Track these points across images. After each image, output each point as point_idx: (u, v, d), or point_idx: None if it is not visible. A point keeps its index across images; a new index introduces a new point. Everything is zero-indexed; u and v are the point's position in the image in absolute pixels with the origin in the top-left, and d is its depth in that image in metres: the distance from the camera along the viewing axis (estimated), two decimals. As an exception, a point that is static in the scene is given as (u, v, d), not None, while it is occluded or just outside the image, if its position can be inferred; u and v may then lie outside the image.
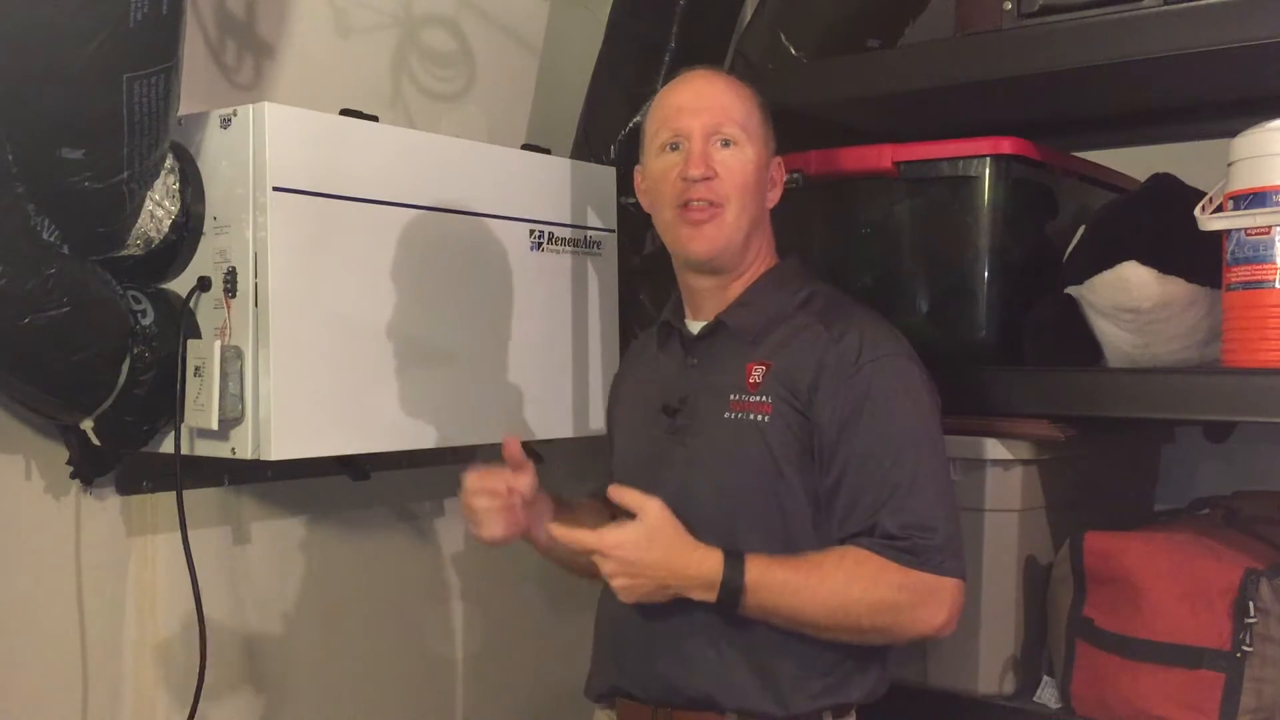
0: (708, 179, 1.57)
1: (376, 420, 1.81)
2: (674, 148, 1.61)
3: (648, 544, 1.47)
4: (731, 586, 1.47)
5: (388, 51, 2.20)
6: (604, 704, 1.70)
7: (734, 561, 1.47)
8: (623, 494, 1.51)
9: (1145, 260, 1.74)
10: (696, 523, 1.53)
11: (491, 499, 1.60)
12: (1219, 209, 1.66)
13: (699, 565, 1.48)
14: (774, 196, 1.68)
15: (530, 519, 1.65)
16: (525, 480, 1.61)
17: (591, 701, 1.73)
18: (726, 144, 1.60)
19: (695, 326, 1.67)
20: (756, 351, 1.60)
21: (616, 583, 1.49)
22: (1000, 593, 1.84)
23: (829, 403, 1.53)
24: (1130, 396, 1.73)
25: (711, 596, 1.48)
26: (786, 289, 1.65)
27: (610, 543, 1.47)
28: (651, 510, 1.49)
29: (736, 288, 1.65)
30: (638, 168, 1.71)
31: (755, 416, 1.56)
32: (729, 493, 1.55)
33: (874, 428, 1.52)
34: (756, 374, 1.58)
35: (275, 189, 1.67)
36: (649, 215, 1.69)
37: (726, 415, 1.58)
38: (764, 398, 1.56)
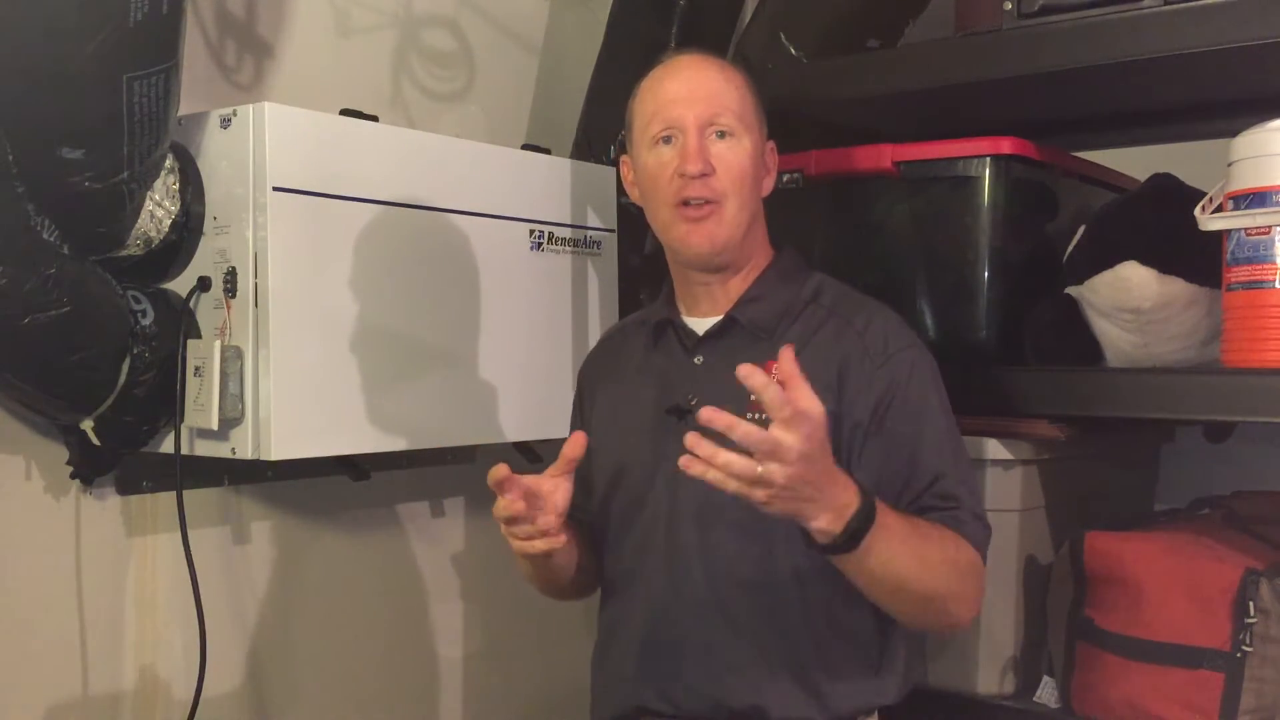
0: (705, 175, 1.52)
1: (376, 420, 1.81)
2: (667, 141, 1.55)
3: (822, 450, 1.28)
4: (865, 514, 1.32)
5: (388, 51, 2.20)
6: None
7: (867, 494, 1.34)
8: (795, 387, 1.27)
9: (1145, 260, 1.74)
10: (725, 526, 1.51)
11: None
12: (1219, 209, 1.66)
13: (844, 487, 1.32)
14: (769, 184, 1.62)
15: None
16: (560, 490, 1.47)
17: None
18: (722, 135, 1.54)
19: (698, 323, 1.62)
20: (776, 349, 1.52)
21: (768, 492, 1.26)
22: (1000, 593, 1.84)
23: (861, 395, 1.50)
24: (1130, 396, 1.73)
25: (839, 526, 1.31)
26: (793, 281, 1.61)
27: (799, 449, 1.24)
28: (817, 413, 1.26)
29: (738, 282, 1.60)
30: (625, 158, 1.65)
31: None
32: None
33: (913, 415, 1.50)
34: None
35: (275, 189, 1.66)
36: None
37: (750, 416, 1.50)
38: None
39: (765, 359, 1.53)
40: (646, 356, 1.66)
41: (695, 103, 1.54)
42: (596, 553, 1.70)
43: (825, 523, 1.31)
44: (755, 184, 1.58)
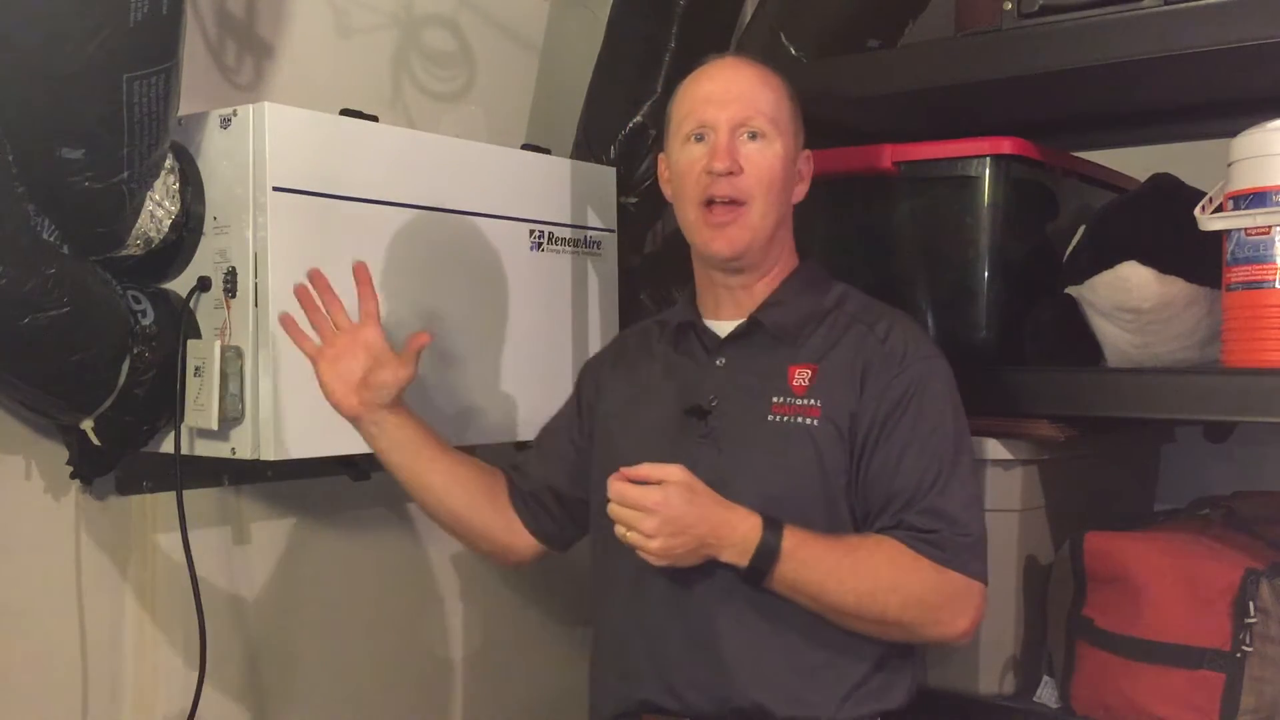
0: (731, 174, 1.54)
1: (376, 420, 1.80)
2: (699, 139, 1.57)
3: (689, 500, 1.42)
4: (767, 550, 1.43)
5: (388, 51, 2.20)
6: None
7: (773, 526, 1.44)
8: (639, 469, 1.44)
9: (1145, 260, 1.74)
10: None
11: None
12: (1219, 209, 1.66)
13: (738, 525, 1.43)
14: (800, 191, 1.65)
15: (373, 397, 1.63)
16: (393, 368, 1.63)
17: None
18: (754, 137, 1.56)
19: (720, 326, 1.64)
20: (800, 353, 1.57)
21: (655, 544, 1.41)
22: (1000, 593, 1.83)
23: (873, 400, 1.51)
24: (1130, 396, 1.73)
25: (745, 560, 1.43)
26: (816, 290, 1.63)
27: (656, 499, 1.40)
28: (679, 471, 1.43)
29: (762, 287, 1.62)
30: (661, 155, 1.67)
31: (803, 420, 1.52)
32: (775, 498, 1.50)
33: (915, 425, 1.50)
34: (802, 376, 1.55)
35: (275, 189, 1.67)
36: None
37: (770, 418, 1.54)
38: (813, 401, 1.53)
39: (787, 363, 1.56)
40: (668, 358, 1.68)
41: (729, 103, 1.56)
42: (502, 515, 1.75)
43: (731, 557, 1.44)
44: (783, 189, 1.59)
